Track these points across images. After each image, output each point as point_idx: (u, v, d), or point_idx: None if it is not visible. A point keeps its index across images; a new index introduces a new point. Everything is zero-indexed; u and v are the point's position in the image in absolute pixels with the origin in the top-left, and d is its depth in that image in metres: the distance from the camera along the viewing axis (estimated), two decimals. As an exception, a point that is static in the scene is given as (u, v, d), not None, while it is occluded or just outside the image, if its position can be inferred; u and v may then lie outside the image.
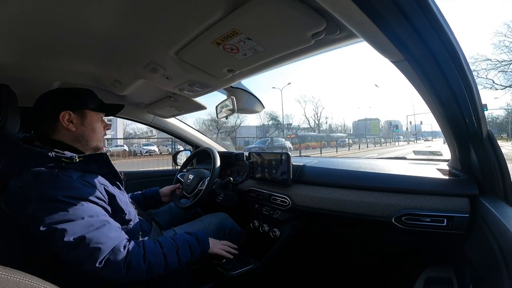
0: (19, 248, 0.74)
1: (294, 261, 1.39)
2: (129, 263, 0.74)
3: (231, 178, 1.53)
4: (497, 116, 38.99)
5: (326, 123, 47.53)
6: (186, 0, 0.65)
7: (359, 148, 24.35)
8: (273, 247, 1.24)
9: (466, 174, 0.88)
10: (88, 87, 0.97)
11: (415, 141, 49.29)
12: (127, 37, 0.84)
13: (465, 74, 0.59)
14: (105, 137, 1.01)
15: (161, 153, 19.06)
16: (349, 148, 23.32)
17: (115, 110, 1.03)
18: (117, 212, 0.85)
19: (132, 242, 0.79)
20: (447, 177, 0.90)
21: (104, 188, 0.82)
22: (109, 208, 0.82)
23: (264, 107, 1.48)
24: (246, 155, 1.71)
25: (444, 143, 1.13)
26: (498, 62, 21.33)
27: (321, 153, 18.24)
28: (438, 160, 1.31)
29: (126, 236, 0.81)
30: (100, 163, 0.85)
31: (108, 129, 1.00)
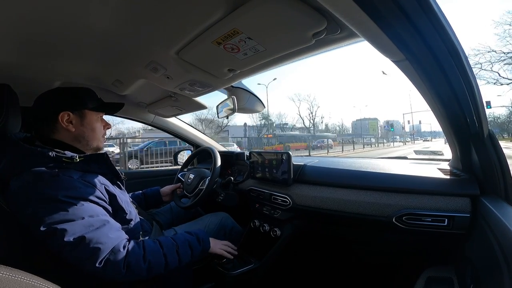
0: (20, 247, 0.74)
1: (294, 261, 1.40)
2: (128, 263, 0.74)
3: (232, 178, 1.53)
4: (498, 116, 38.49)
5: (322, 122, 46.85)
6: (187, 0, 0.65)
7: (342, 151, 20.80)
8: (274, 246, 1.25)
9: (467, 174, 0.88)
10: (89, 86, 0.97)
11: (412, 141, 47.02)
12: (128, 36, 0.84)
13: (466, 73, 0.59)
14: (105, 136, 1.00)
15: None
16: (328, 151, 20.73)
17: (115, 109, 1.02)
18: (118, 212, 0.85)
19: (132, 242, 0.79)
20: (448, 177, 0.90)
21: (105, 188, 0.82)
22: (109, 208, 0.82)
23: (264, 107, 1.48)
24: (246, 155, 1.72)
25: (445, 143, 1.12)
26: (503, 54, 19.72)
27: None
28: (439, 159, 1.31)
29: (126, 236, 0.81)
30: (101, 163, 0.85)
31: (108, 128, 1.00)
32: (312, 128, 43.43)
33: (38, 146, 0.77)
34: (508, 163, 0.74)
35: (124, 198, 0.91)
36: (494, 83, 20.80)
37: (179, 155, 2.07)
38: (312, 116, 44.07)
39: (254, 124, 36.97)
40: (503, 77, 20.22)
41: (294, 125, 44.08)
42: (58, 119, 0.84)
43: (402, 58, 0.61)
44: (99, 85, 1.36)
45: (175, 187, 1.52)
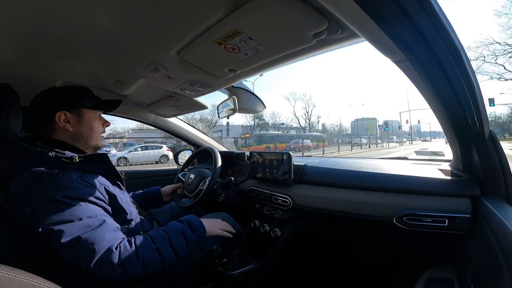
0: (20, 247, 0.74)
1: (294, 261, 1.39)
2: (122, 263, 0.73)
3: (232, 178, 1.53)
4: (499, 115, 38.13)
5: (319, 122, 45.92)
6: (188, 0, 0.65)
7: (323, 153, 18.02)
8: (274, 247, 1.25)
9: (468, 175, 0.87)
10: (90, 86, 0.97)
11: (410, 142, 44.49)
12: (129, 36, 0.84)
13: (467, 73, 0.59)
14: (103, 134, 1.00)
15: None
16: (303, 153, 18.56)
17: (113, 106, 1.01)
18: (118, 212, 0.85)
19: (124, 241, 0.77)
20: (448, 178, 0.89)
21: (105, 188, 0.82)
22: (109, 208, 0.82)
23: (265, 107, 1.48)
24: (247, 155, 1.72)
25: (446, 143, 1.12)
26: (508, 46, 18.86)
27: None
28: (440, 160, 1.31)
29: (123, 236, 0.79)
30: (100, 163, 0.85)
31: (107, 126, 1.00)
32: (307, 128, 42.83)
33: (38, 146, 0.77)
34: (509, 164, 0.74)
35: (125, 198, 0.91)
36: (498, 79, 19.87)
37: (179, 155, 2.07)
38: (308, 115, 43.42)
39: (248, 124, 36.33)
40: (509, 70, 19.23)
41: (291, 125, 43.42)
42: (55, 119, 0.84)
43: (403, 59, 0.61)
44: (100, 85, 1.36)
45: (176, 187, 1.52)
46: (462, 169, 0.92)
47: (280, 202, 1.25)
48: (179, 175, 1.65)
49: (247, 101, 1.36)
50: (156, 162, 13.79)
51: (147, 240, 0.81)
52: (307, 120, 43.35)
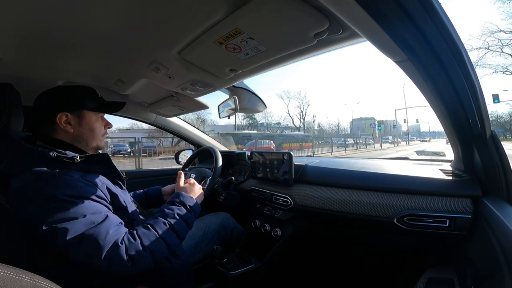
0: (21, 246, 0.74)
1: (295, 261, 1.40)
2: (131, 256, 0.73)
3: (233, 178, 1.53)
4: (501, 114, 37.54)
5: (314, 121, 44.59)
6: (189, 0, 0.65)
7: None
8: (274, 246, 1.25)
9: (469, 175, 0.87)
10: (91, 86, 0.97)
11: (407, 142, 40.32)
12: (130, 36, 0.84)
13: (469, 73, 0.59)
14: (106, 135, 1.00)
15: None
16: None
17: (116, 108, 1.01)
18: (119, 212, 0.85)
19: (127, 235, 0.77)
20: (449, 178, 0.89)
21: (106, 187, 0.82)
22: (111, 208, 0.82)
23: (266, 107, 1.48)
24: (248, 155, 1.72)
25: (447, 143, 1.12)
26: None
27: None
28: (441, 160, 1.30)
29: (125, 230, 0.79)
30: (102, 163, 0.85)
31: (109, 128, 0.99)
32: (302, 128, 41.85)
33: (39, 146, 0.77)
34: (510, 164, 0.74)
35: (126, 197, 0.91)
36: (503, 72, 18.65)
37: (180, 155, 2.08)
38: (303, 114, 42.28)
39: (240, 124, 35.30)
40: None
41: (286, 124, 42.45)
42: (56, 120, 0.83)
43: (404, 59, 0.61)
44: (101, 84, 1.36)
45: None
46: (463, 170, 0.92)
47: (280, 202, 1.25)
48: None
49: (248, 101, 1.36)
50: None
51: (150, 230, 0.81)
52: (302, 120, 42.30)
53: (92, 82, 1.30)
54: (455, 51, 0.55)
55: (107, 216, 0.76)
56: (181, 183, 1.10)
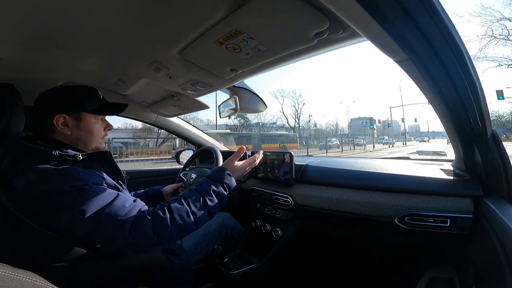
0: (22, 246, 0.74)
1: (296, 261, 1.39)
2: (157, 231, 0.73)
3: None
4: (502, 114, 36.72)
5: (310, 121, 42.73)
6: (189, 0, 0.65)
7: None
8: (275, 246, 1.25)
9: (470, 175, 0.87)
10: (92, 86, 0.97)
11: (404, 143, 38.34)
12: (131, 36, 0.84)
13: (470, 73, 0.59)
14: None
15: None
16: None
17: (117, 110, 0.99)
18: None
19: (158, 209, 0.78)
20: (451, 178, 0.89)
21: (109, 181, 0.83)
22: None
23: (267, 107, 1.48)
24: (248, 155, 1.71)
25: (448, 143, 1.12)
26: None
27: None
28: (442, 160, 1.30)
29: (143, 203, 0.80)
30: (103, 161, 0.86)
31: (110, 129, 0.98)
32: (297, 127, 40.33)
33: (40, 145, 0.77)
34: None
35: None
36: (508, 66, 17.28)
37: (181, 155, 2.08)
38: (297, 114, 40.61)
39: (232, 124, 33.65)
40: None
41: (283, 124, 40.99)
42: (53, 122, 0.82)
43: (405, 58, 0.61)
44: (102, 84, 1.37)
45: (177, 187, 1.51)
46: (464, 169, 0.92)
47: (281, 201, 1.25)
48: (181, 175, 1.65)
49: (248, 101, 1.36)
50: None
51: (183, 205, 0.81)
52: (296, 119, 40.72)
53: (93, 82, 1.31)
54: (456, 51, 0.55)
55: (118, 194, 0.77)
56: (237, 161, 1.07)
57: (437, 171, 0.99)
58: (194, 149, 2.16)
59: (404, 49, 0.58)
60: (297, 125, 40.67)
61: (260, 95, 1.40)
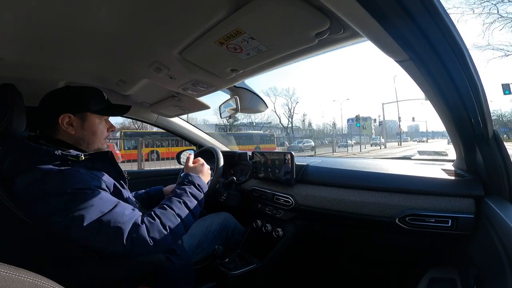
0: (23, 246, 0.75)
1: (297, 261, 1.39)
2: (153, 236, 0.75)
3: (234, 178, 1.53)
4: (504, 113, 36.30)
5: (304, 120, 41.88)
6: (190, 0, 0.65)
7: None
8: (276, 247, 1.24)
9: (472, 175, 0.87)
10: (93, 86, 0.97)
11: (399, 143, 35.04)
12: (132, 36, 0.84)
13: (471, 73, 0.59)
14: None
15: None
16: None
17: (120, 111, 0.99)
18: None
19: (145, 215, 0.80)
20: (452, 178, 0.89)
21: (111, 183, 0.83)
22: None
23: (267, 107, 1.48)
24: (249, 155, 1.72)
25: (448, 143, 1.12)
26: None
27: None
28: (443, 160, 1.30)
29: (140, 213, 0.81)
30: (105, 161, 0.86)
31: (113, 131, 0.99)
32: (290, 127, 39.49)
33: (43, 145, 0.78)
34: None
35: (127, 197, 0.91)
36: None
37: (182, 155, 2.08)
38: (291, 113, 39.65)
39: (221, 123, 32.47)
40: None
41: (278, 124, 40.23)
42: (58, 121, 0.84)
43: (406, 58, 0.61)
44: (103, 84, 1.37)
45: None
46: (466, 169, 0.91)
47: (282, 202, 1.25)
48: (181, 175, 1.65)
49: (249, 101, 1.36)
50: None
51: (166, 209, 0.84)
52: (290, 118, 39.86)
53: (94, 83, 1.31)
54: (456, 50, 0.54)
55: (117, 201, 0.78)
56: (190, 163, 1.13)
57: (438, 171, 0.98)
58: (195, 149, 2.16)
59: (404, 49, 0.58)
60: (290, 125, 39.72)
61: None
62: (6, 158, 0.74)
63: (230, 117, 1.44)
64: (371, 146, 30.59)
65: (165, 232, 0.78)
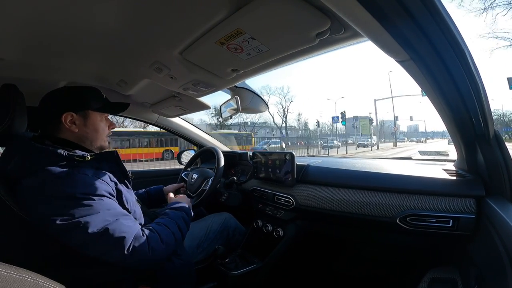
0: (25, 246, 0.75)
1: (297, 261, 1.39)
2: (152, 247, 0.78)
3: (235, 178, 1.53)
4: (505, 113, 35.07)
5: (299, 120, 40.68)
6: (191, 0, 0.65)
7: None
8: (277, 247, 1.25)
9: (473, 175, 0.87)
10: (94, 86, 0.98)
11: (394, 144, 31.95)
12: (132, 37, 0.84)
13: (472, 73, 0.58)
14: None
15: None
16: None
17: (120, 109, 1.02)
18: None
19: (145, 228, 0.83)
20: (453, 178, 0.89)
21: (115, 185, 0.83)
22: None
23: (268, 107, 1.48)
24: (250, 155, 1.72)
25: (449, 143, 1.11)
26: None
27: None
28: (444, 160, 1.30)
29: (139, 226, 0.84)
30: (111, 161, 0.87)
31: (113, 128, 1.00)
32: (284, 126, 38.44)
33: (48, 145, 0.78)
34: None
35: (130, 197, 0.92)
36: None
37: (182, 155, 2.08)
38: (285, 112, 38.49)
39: (209, 122, 32.43)
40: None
41: (272, 124, 39.20)
42: (61, 120, 0.84)
43: (407, 58, 0.61)
44: (104, 85, 1.37)
45: (179, 186, 1.52)
46: (467, 169, 0.91)
47: (283, 202, 1.25)
48: (182, 175, 1.65)
49: (249, 101, 1.36)
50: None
51: (163, 227, 0.88)
52: (283, 118, 38.73)
53: (95, 83, 1.31)
54: (457, 50, 0.54)
55: (122, 211, 0.80)
56: (172, 195, 1.22)
57: (439, 171, 0.98)
58: (196, 149, 2.16)
59: (405, 49, 0.58)
60: (284, 124, 38.83)
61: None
62: (12, 159, 0.75)
63: (230, 117, 1.44)
64: (358, 147, 27.39)
65: (163, 247, 0.81)
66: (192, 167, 1.78)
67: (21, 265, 0.44)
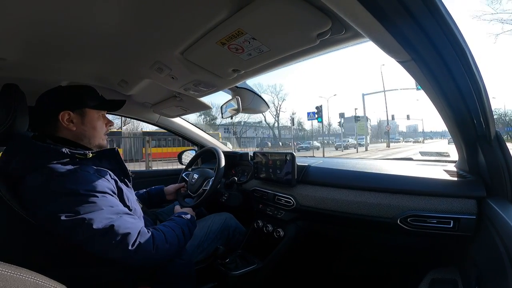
0: (25, 246, 0.75)
1: (297, 262, 1.39)
2: (156, 245, 0.79)
3: (236, 178, 1.53)
4: (506, 112, 34.92)
5: (294, 119, 37.68)
6: (192, 0, 0.65)
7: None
8: (277, 247, 1.24)
9: (474, 176, 0.86)
10: (95, 86, 0.98)
11: (387, 145, 29.28)
12: (134, 37, 0.85)
13: (473, 74, 0.58)
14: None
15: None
16: None
17: (116, 106, 1.02)
18: None
19: (151, 228, 0.84)
20: (454, 179, 0.89)
21: (115, 183, 0.84)
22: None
23: (269, 107, 1.48)
24: (250, 155, 1.72)
25: (449, 143, 1.11)
26: None
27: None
28: (445, 161, 1.29)
29: (142, 223, 0.85)
30: (111, 159, 0.88)
31: (111, 126, 1.01)
32: (276, 125, 38.16)
33: (50, 144, 0.79)
34: None
35: (131, 196, 0.92)
36: None
37: (183, 155, 2.08)
38: (277, 111, 38.02)
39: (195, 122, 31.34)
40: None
41: (268, 123, 38.91)
42: (58, 119, 0.85)
43: (408, 59, 0.61)
44: (105, 85, 1.37)
45: (179, 187, 1.52)
46: (468, 170, 0.91)
47: (283, 202, 1.25)
48: (183, 175, 1.65)
49: (250, 101, 1.36)
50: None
51: (168, 229, 0.90)
52: (276, 117, 38.48)
53: (96, 83, 1.31)
54: (459, 51, 0.54)
55: (125, 209, 0.81)
56: (178, 207, 1.23)
57: (440, 172, 0.98)
58: (197, 149, 2.16)
59: (406, 50, 0.58)
60: (276, 124, 38.34)
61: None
62: (14, 158, 0.75)
63: (231, 117, 1.44)
64: (336, 149, 25.40)
65: (167, 246, 0.83)
66: (192, 167, 1.78)
67: (22, 265, 0.44)
